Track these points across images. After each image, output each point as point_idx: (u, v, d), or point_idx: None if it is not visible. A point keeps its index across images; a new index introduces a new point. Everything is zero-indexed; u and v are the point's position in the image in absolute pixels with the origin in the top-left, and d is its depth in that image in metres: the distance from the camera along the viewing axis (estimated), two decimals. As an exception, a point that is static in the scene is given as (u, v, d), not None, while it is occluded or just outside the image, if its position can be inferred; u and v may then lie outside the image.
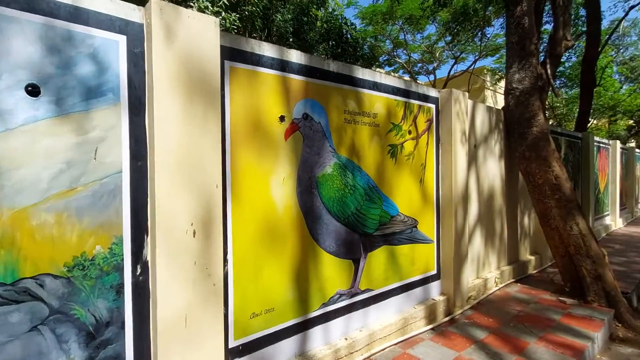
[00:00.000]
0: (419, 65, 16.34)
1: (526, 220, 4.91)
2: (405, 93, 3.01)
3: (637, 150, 10.80)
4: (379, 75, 2.80)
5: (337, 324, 2.51)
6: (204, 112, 1.66)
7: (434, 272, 3.31)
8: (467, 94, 3.58)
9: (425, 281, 3.21)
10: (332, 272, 2.47)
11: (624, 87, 17.45)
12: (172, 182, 1.58)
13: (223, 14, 5.72)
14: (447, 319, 3.20)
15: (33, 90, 1.35)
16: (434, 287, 3.31)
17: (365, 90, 2.69)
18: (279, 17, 6.89)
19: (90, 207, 1.49)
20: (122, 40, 1.55)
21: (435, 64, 15.61)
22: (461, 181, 3.39)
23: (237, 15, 6.00)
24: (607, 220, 8.02)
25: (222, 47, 1.83)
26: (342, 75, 2.52)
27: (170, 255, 1.59)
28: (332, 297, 2.47)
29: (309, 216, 2.32)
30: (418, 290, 3.14)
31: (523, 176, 4.17)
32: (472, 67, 15.18)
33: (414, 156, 3.10)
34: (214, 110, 1.71)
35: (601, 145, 7.75)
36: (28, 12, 1.34)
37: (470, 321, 3.17)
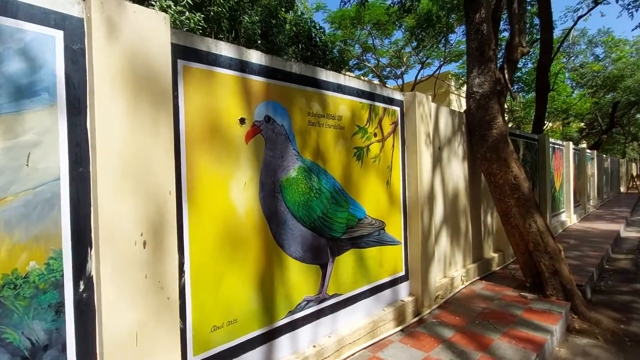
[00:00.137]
0: (388, 69, 16.74)
1: (489, 219, 5.09)
2: (370, 96, 3.02)
3: (587, 151, 11.59)
4: (343, 78, 2.79)
5: (305, 331, 2.44)
6: (153, 114, 1.55)
7: (402, 273, 3.32)
8: (430, 97, 3.65)
9: (394, 283, 3.21)
10: (298, 278, 2.41)
11: (575, 92, 18.82)
12: (117, 189, 1.46)
13: (187, 13, 5.53)
14: (415, 319, 3.22)
15: (-51, 89, 1.20)
16: (403, 288, 3.32)
17: (330, 93, 2.66)
18: (247, 18, 6.76)
19: (23, 219, 1.34)
20: (58, 35, 1.41)
21: (403, 69, 16.06)
22: (427, 182, 3.44)
23: (202, 16, 5.83)
24: (563, 217, 8.51)
25: (174, 45, 1.73)
26: (306, 77, 2.48)
27: (117, 269, 1.47)
28: (299, 304, 2.41)
29: (273, 222, 2.24)
30: (387, 292, 3.14)
31: (485, 177, 4.32)
32: (438, 72, 15.76)
33: (380, 158, 3.10)
34: (166, 111, 1.61)
35: (556, 146, 8.22)
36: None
37: (438, 320, 3.22)
